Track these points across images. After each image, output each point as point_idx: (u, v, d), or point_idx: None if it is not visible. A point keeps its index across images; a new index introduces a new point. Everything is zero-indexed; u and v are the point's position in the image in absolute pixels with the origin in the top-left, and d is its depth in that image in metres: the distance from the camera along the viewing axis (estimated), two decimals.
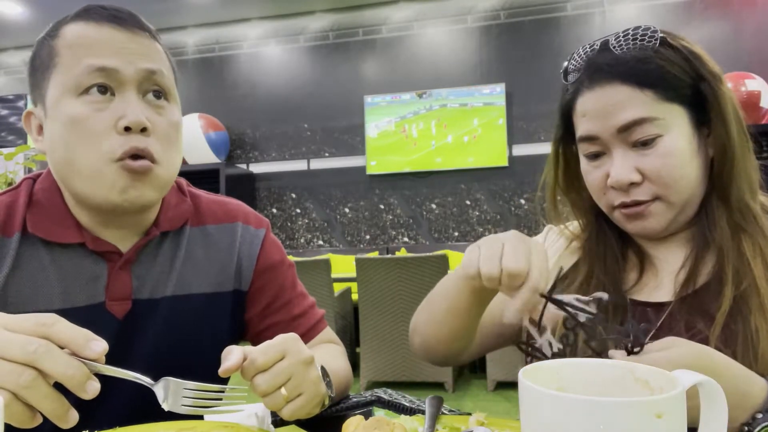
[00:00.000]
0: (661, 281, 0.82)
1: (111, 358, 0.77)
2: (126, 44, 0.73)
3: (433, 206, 5.80)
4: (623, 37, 0.77)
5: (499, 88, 5.56)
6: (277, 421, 0.79)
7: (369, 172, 5.88)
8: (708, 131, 0.78)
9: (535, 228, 0.99)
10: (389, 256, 3.71)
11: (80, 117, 0.72)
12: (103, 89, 0.72)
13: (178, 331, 0.83)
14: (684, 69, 0.76)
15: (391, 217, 5.91)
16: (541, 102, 5.48)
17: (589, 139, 0.79)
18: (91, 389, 0.55)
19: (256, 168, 6.23)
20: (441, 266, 3.46)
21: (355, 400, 0.88)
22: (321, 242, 6.09)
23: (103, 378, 0.82)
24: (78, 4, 0.77)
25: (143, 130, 0.73)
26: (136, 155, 0.73)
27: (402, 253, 5.41)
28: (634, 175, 0.75)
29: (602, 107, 0.76)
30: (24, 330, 0.53)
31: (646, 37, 0.76)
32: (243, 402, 0.64)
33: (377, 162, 5.86)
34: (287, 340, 0.65)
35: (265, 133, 6.20)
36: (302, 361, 0.65)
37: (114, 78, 0.72)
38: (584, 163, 0.83)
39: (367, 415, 0.69)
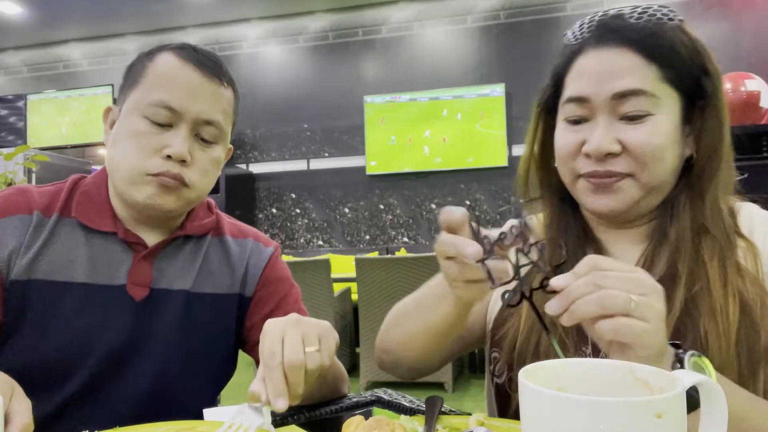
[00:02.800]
0: None
1: (130, 339, 0.86)
2: (198, 89, 0.87)
3: (433, 206, 5.80)
4: (640, 10, 0.75)
5: (499, 89, 5.56)
6: (277, 421, 0.79)
7: (369, 172, 5.88)
8: (689, 129, 0.76)
9: None
10: (389, 256, 3.71)
11: (138, 132, 0.86)
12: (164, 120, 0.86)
13: (192, 324, 0.92)
14: (692, 57, 0.74)
15: (390, 217, 5.91)
16: None
17: (579, 100, 0.75)
18: None
19: (256, 168, 6.23)
20: None
21: (355, 400, 0.88)
22: (321, 242, 6.09)
23: (103, 377, 0.83)
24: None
25: (182, 161, 0.86)
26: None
27: (402, 253, 5.41)
28: (614, 146, 0.73)
29: (603, 69, 0.73)
30: None
31: (665, 17, 0.75)
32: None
33: (377, 162, 5.86)
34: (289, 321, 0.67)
35: (265, 133, 6.20)
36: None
37: (176, 115, 0.86)
38: (561, 128, 0.79)
39: (367, 415, 0.69)
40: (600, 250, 0.82)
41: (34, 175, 4.83)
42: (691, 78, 0.74)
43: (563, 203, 0.84)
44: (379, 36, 5.97)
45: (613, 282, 0.54)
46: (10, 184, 2.59)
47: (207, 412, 0.68)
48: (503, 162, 5.55)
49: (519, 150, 5.56)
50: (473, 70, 5.71)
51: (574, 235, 0.82)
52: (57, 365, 0.82)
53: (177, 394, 0.88)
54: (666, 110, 0.73)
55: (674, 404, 0.38)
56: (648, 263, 0.76)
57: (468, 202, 5.71)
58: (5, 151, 3.48)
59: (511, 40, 5.65)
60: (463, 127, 5.66)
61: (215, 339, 0.93)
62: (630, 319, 0.53)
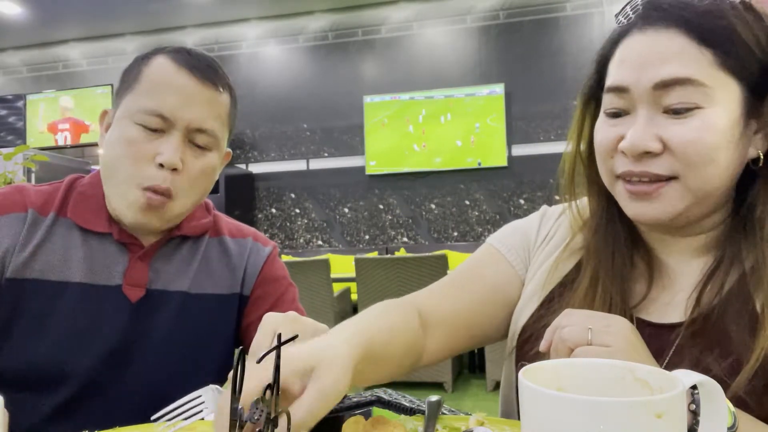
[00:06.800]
0: (675, 297, 0.70)
1: (127, 340, 0.86)
2: (191, 95, 0.85)
3: (433, 206, 5.80)
4: None
5: (499, 88, 5.56)
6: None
7: (368, 172, 5.88)
8: (757, 125, 0.65)
9: None
10: (388, 256, 3.71)
11: (132, 140, 0.84)
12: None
13: (191, 325, 0.92)
14: (759, 40, 0.62)
15: (390, 217, 5.91)
16: (540, 102, 5.48)
17: (618, 90, 0.66)
18: None
19: (256, 168, 6.23)
20: (440, 266, 3.45)
21: (355, 400, 0.88)
22: (320, 242, 6.08)
23: (100, 378, 0.83)
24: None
25: (174, 169, 0.84)
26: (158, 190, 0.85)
27: (401, 253, 5.41)
28: (653, 143, 0.63)
29: (646, 55, 0.63)
30: None
31: None
32: None
33: (376, 162, 5.86)
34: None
35: (265, 133, 6.20)
36: None
37: (168, 122, 0.85)
38: (600, 121, 0.70)
39: (367, 415, 0.69)
40: (652, 260, 0.73)
41: (33, 175, 4.83)
42: (756, 64, 0.63)
43: (610, 206, 0.74)
44: (378, 36, 5.97)
45: (575, 319, 0.59)
46: (9, 184, 2.59)
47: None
48: (503, 162, 5.55)
49: (518, 150, 5.56)
50: (472, 70, 5.71)
51: (621, 241, 0.73)
52: (53, 366, 0.82)
53: (176, 394, 0.88)
54: (721, 103, 0.62)
55: (674, 404, 0.38)
56: (711, 283, 0.67)
57: (467, 202, 5.71)
58: (5, 151, 3.48)
59: (510, 40, 5.65)
60: (463, 127, 5.66)
61: (215, 339, 0.94)
62: (589, 347, 0.57)
